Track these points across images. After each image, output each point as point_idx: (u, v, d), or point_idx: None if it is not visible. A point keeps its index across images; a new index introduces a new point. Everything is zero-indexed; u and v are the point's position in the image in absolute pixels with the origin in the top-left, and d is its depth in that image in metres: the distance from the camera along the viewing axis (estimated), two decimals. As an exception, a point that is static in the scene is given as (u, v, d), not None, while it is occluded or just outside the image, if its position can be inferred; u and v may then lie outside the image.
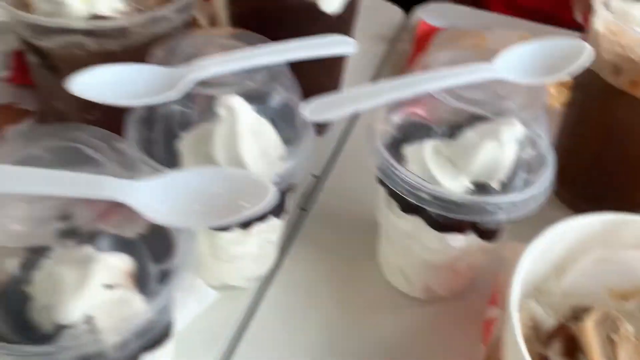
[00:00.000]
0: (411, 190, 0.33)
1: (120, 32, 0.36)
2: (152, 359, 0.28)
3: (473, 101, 0.33)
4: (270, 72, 0.32)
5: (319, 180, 0.49)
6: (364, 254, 0.43)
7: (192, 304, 0.36)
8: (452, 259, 0.36)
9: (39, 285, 0.26)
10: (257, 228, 0.35)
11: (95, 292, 0.25)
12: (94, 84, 0.28)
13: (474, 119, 0.34)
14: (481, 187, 0.33)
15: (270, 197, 0.23)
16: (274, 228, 0.37)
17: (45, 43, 0.36)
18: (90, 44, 0.35)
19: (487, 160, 0.33)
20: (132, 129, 0.32)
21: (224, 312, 0.38)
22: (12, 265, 0.25)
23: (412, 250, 0.37)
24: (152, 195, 0.23)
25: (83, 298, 0.24)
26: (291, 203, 0.40)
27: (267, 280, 0.41)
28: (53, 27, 0.35)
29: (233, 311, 0.39)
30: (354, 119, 0.54)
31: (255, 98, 0.32)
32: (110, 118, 0.38)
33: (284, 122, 0.34)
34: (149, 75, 0.29)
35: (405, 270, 0.39)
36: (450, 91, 0.33)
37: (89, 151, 0.26)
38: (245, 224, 0.34)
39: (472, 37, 0.59)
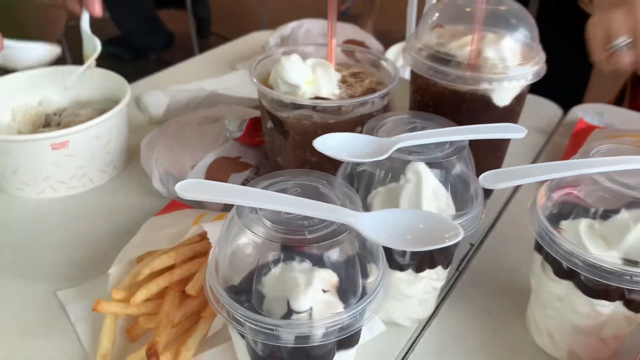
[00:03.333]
0: (566, 256, 0.38)
1: (336, 110, 0.47)
2: (342, 356, 0.36)
3: (629, 186, 0.39)
4: (455, 146, 0.41)
5: (474, 245, 0.55)
6: (512, 315, 0.48)
7: (365, 330, 0.44)
8: (599, 324, 0.40)
9: (269, 284, 0.36)
10: (427, 273, 0.43)
11: (316, 293, 0.34)
12: (330, 145, 0.38)
13: (629, 203, 0.39)
14: (631, 264, 0.38)
15: (460, 236, 0.31)
16: (439, 277, 0.44)
17: (282, 113, 0.48)
18: (315, 117, 0.47)
19: (639, 240, 0.38)
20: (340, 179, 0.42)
21: (387, 344, 0.45)
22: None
23: (562, 313, 0.42)
24: (374, 224, 0.32)
25: (310, 294, 0.33)
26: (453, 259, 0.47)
27: (425, 324, 0.47)
28: (289, 103, 0.47)
29: (395, 345, 0.46)
30: (510, 193, 0.61)
31: (439, 166, 0.41)
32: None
33: (459, 188, 0.42)
34: (366, 142, 0.39)
35: (553, 333, 0.43)
36: (608, 175, 0.39)
37: (323, 189, 0.36)
38: (419, 268, 0.42)
39: (629, 137, 0.63)
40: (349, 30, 0.86)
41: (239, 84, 0.82)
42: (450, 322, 0.47)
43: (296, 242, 0.33)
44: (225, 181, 0.57)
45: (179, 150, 0.58)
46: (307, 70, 0.49)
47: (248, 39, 1.01)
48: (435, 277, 0.44)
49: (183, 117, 0.64)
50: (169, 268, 0.45)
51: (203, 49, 3.43)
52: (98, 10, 0.58)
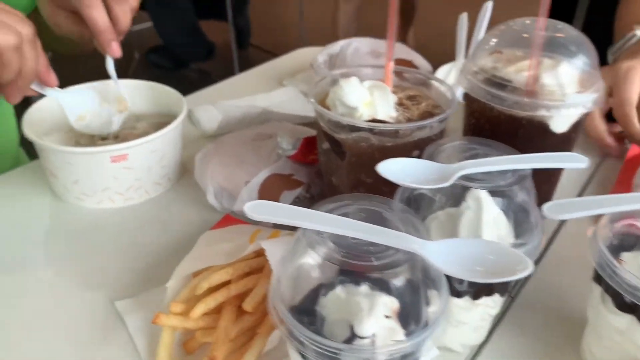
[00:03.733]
0: (630, 289, 0.38)
1: (394, 133, 0.47)
2: (402, 383, 0.37)
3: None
4: (517, 175, 0.41)
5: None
6: (566, 344, 0.47)
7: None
8: (663, 361, 0.39)
9: (331, 306, 0.36)
10: (484, 301, 0.43)
11: (379, 318, 0.34)
12: (393, 170, 0.39)
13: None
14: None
15: (530, 269, 0.31)
16: (495, 304, 0.44)
17: (339, 135, 0.49)
18: (373, 139, 0.47)
19: None
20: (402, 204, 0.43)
21: (439, 369, 0.45)
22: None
23: (622, 347, 0.41)
24: (442, 253, 0.32)
25: (374, 319, 0.34)
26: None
27: (477, 350, 0.47)
28: (346, 125, 0.48)
29: (447, 370, 0.46)
30: (561, 222, 0.60)
31: (501, 195, 0.41)
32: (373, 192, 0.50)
33: (520, 217, 0.42)
34: (428, 168, 0.40)
35: (611, 366, 0.43)
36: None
37: (386, 214, 0.36)
38: (476, 295, 0.42)
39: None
40: (396, 49, 0.86)
41: (287, 100, 0.84)
42: (502, 349, 0.47)
43: (361, 268, 0.34)
44: (278, 198, 0.58)
45: (233, 166, 0.60)
46: (365, 92, 0.50)
47: (294, 55, 1.02)
48: (492, 305, 0.44)
49: (237, 133, 0.66)
50: (226, 283, 0.46)
51: (242, 60, 3.51)
52: (117, 51, 0.60)
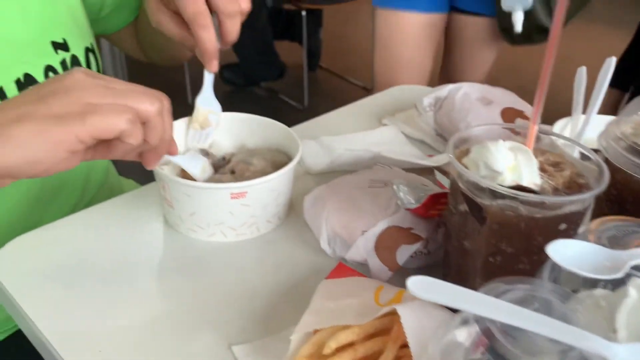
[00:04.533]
0: None
1: (542, 204, 0.45)
2: None
3: None
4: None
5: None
6: None
7: None
8: None
9: None
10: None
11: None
12: (563, 254, 0.36)
13: None
14: None
15: None
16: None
17: (483, 200, 0.46)
18: (521, 209, 0.45)
19: None
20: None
21: None
22: None
23: None
24: (632, 358, 0.29)
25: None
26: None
27: None
28: (488, 188, 0.46)
29: None
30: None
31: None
32: (510, 263, 0.47)
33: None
34: (596, 253, 0.37)
35: None
36: None
37: (557, 304, 0.34)
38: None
39: None
40: (506, 97, 0.84)
41: (388, 142, 0.82)
42: None
43: None
44: (395, 251, 0.56)
45: (350, 213, 0.58)
46: (510, 156, 0.48)
47: (391, 92, 1.01)
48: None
49: (350, 177, 0.65)
50: (351, 342, 0.45)
51: (311, 82, 3.53)
52: (216, 67, 0.61)
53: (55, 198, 0.72)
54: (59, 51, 0.65)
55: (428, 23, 1.41)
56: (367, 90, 3.20)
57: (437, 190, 0.60)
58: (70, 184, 0.74)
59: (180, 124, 0.67)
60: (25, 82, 0.61)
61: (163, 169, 0.60)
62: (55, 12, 0.66)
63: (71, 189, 0.75)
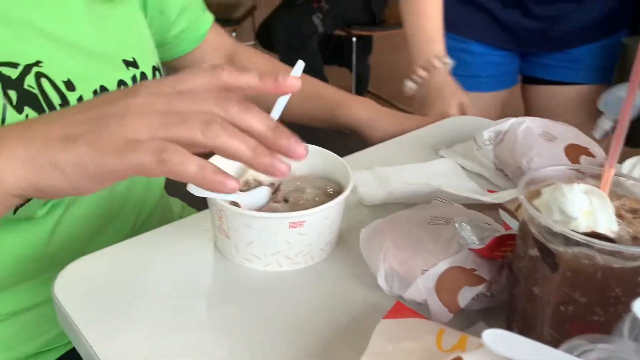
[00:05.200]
0: None
1: (620, 254, 0.42)
2: None
3: None
4: None
5: None
6: None
7: None
8: None
9: None
10: None
11: None
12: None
13: None
14: None
15: None
16: None
17: (556, 246, 0.44)
18: (598, 258, 0.42)
19: None
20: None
21: None
22: None
23: None
24: None
25: None
26: None
27: None
28: (560, 234, 0.44)
29: None
30: None
31: None
32: (583, 313, 0.45)
33: None
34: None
35: None
36: None
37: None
38: None
39: None
40: (569, 133, 0.81)
41: (446, 175, 0.80)
42: None
43: None
44: (457, 292, 0.54)
45: (409, 250, 0.57)
46: (585, 200, 0.45)
47: (447, 123, 0.99)
48: None
49: (409, 212, 0.63)
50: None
51: (359, 107, 3.47)
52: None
53: (119, 214, 0.75)
54: (130, 68, 0.70)
55: (492, 100, 1.36)
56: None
57: (501, 230, 0.58)
58: (131, 201, 0.76)
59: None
60: (101, 93, 0.65)
61: (219, 199, 0.59)
62: (126, 34, 0.72)
63: (132, 206, 0.77)
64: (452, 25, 1.19)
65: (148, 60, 0.72)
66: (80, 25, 0.67)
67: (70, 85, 0.63)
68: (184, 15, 0.86)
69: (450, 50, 1.12)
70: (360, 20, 2.85)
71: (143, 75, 0.71)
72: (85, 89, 0.64)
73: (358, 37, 2.88)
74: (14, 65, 0.59)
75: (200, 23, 0.90)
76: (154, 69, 0.73)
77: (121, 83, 0.68)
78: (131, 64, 0.70)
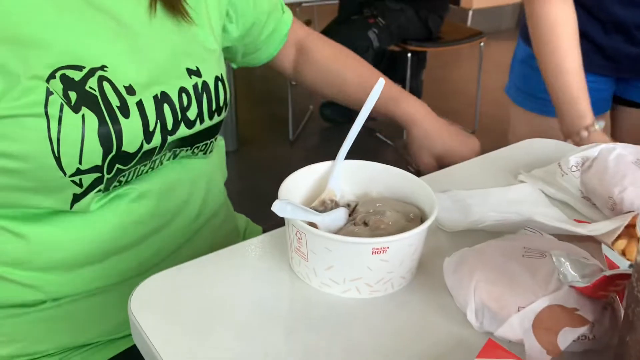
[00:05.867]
0: None
1: None
2: None
3: None
4: None
5: None
6: None
7: None
8: None
9: None
10: None
11: None
12: None
13: None
14: None
15: None
16: None
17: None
18: None
19: None
20: None
21: None
22: None
23: None
24: None
25: None
26: None
27: None
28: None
29: None
30: None
31: None
32: None
33: None
34: None
35: None
36: None
37: None
38: None
39: None
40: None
41: (530, 202, 0.76)
42: None
43: None
44: (556, 334, 0.50)
45: (504, 284, 0.53)
46: None
47: (527, 146, 0.95)
48: None
49: (497, 242, 0.59)
50: None
51: (411, 122, 3.43)
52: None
53: (179, 212, 0.76)
54: (192, 76, 0.72)
55: None
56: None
57: (603, 266, 0.53)
58: (191, 202, 0.77)
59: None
60: (161, 99, 0.67)
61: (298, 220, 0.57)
62: (189, 45, 0.74)
63: (191, 207, 0.77)
64: None
65: (211, 70, 0.74)
66: (146, 34, 0.69)
67: (130, 90, 0.64)
68: (270, 18, 0.91)
69: None
70: (416, 36, 2.82)
71: (205, 85, 0.73)
72: (145, 94, 0.65)
73: (413, 52, 2.84)
74: (79, 68, 0.61)
75: (282, 24, 0.94)
76: (217, 79, 0.75)
77: (182, 90, 0.70)
78: (194, 72, 0.72)
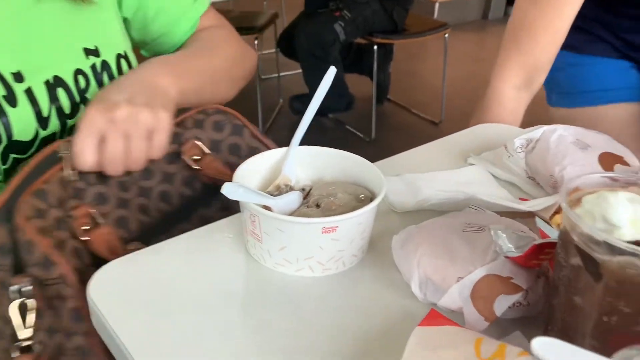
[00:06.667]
0: None
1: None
2: None
3: None
4: None
5: None
6: None
7: None
8: None
9: None
10: None
11: None
12: None
13: None
14: None
15: None
16: None
17: (599, 255, 0.43)
18: (643, 266, 0.41)
19: None
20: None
21: None
22: None
23: None
24: None
25: None
26: None
27: None
28: (604, 242, 0.43)
29: None
30: None
31: None
32: (627, 323, 0.43)
33: None
34: None
35: None
36: None
37: None
38: None
39: None
40: (602, 141, 0.79)
41: (477, 182, 0.80)
42: None
43: None
44: (493, 301, 0.53)
45: (445, 257, 0.56)
46: (630, 208, 0.44)
47: (477, 131, 0.99)
48: None
49: (442, 220, 0.63)
50: (450, 398, 0.42)
51: (379, 114, 3.55)
52: None
53: None
54: (90, 56, 0.70)
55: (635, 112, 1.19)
56: (435, 124, 3.17)
57: (538, 238, 0.57)
58: None
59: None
60: (55, 83, 0.66)
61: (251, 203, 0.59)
62: (85, 24, 0.71)
63: None
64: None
65: (112, 48, 0.72)
66: (33, 18, 0.66)
67: (19, 77, 0.63)
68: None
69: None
70: (382, 28, 2.85)
71: (104, 64, 0.71)
72: (35, 80, 0.64)
73: (379, 45, 2.88)
74: None
75: (193, 10, 0.85)
76: (119, 56, 0.73)
77: (78, 73, 0.68)
78: (92, 52, 0.70)
